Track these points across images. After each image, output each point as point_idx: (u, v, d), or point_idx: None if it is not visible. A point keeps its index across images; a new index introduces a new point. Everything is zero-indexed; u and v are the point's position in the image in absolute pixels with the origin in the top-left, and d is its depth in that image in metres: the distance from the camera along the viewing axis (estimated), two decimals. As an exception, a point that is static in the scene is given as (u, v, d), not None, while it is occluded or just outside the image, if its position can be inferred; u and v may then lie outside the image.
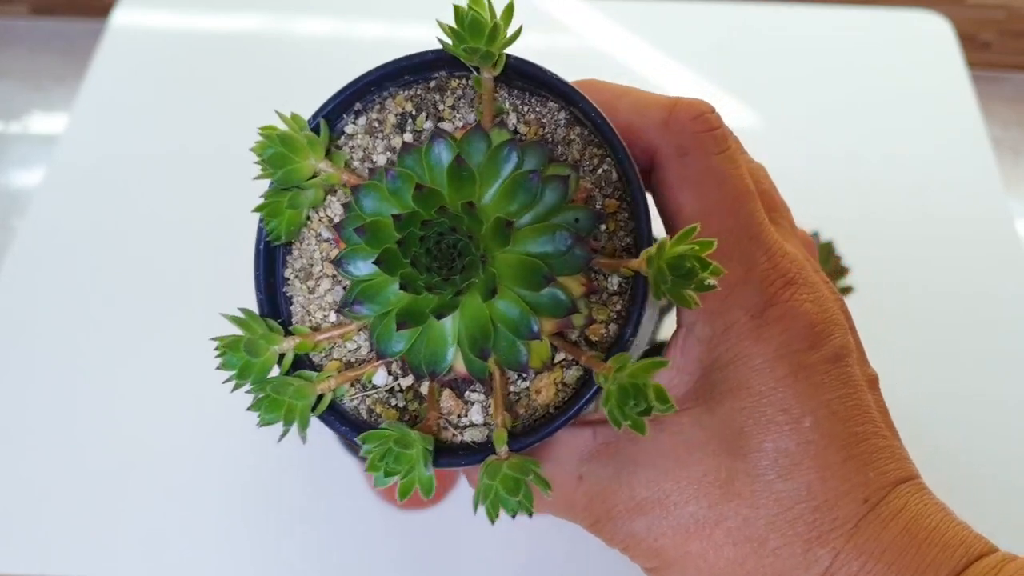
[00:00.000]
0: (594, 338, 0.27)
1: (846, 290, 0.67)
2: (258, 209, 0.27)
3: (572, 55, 0.92)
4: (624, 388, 0.22)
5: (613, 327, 0.27)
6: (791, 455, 0.25)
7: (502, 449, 0.26)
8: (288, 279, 0.29)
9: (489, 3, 0.26)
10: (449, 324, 0.25)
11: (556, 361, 0.27)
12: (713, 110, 0.28)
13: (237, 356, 0.25)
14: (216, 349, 0.26)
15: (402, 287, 0.23)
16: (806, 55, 0.93)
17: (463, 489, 0.63)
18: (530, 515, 0.25)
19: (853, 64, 0.92)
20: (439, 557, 0.61)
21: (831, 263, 0.67)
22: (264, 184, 0.28)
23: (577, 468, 0.27)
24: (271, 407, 0.25)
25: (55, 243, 0.76)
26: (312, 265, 0.29)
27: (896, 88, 0.90)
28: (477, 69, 0.28)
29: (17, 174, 1.75)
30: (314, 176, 0.28)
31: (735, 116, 0.87)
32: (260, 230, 0.28)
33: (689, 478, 0.25)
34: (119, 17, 0.92)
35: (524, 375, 0.27)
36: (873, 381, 0.28)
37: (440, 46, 0.27)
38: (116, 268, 0.74)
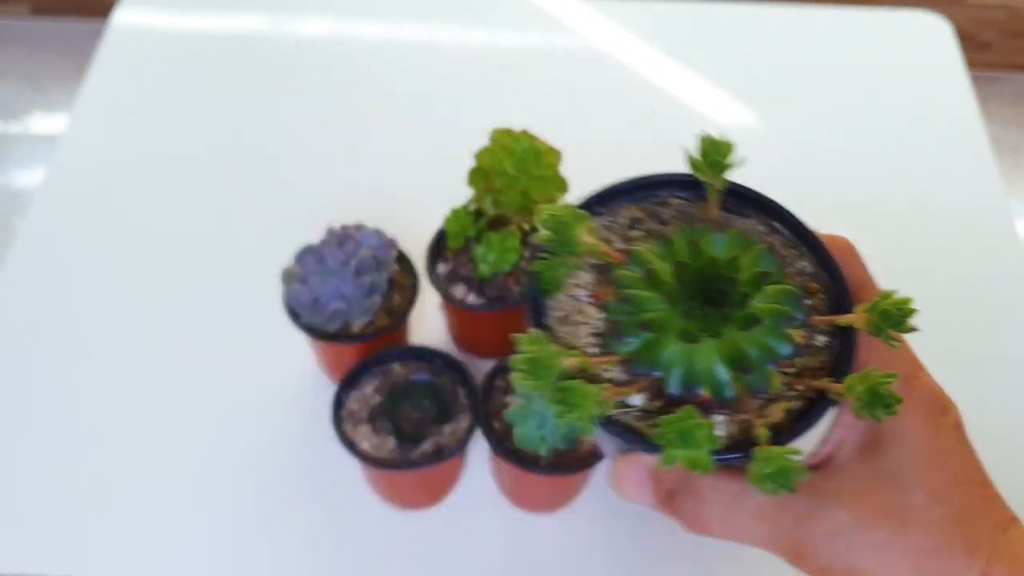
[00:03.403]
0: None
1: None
2: (536, 268, 0.34)
3: (572, 55, 0.92)
4: (872, 389, 0.30)
5: (822, 374, 0.34)
6: (943, 492, 0.33)
7: (766, 442, 0.31)
8: (550, 326, 0.35)
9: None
10: (709, 351, 0.32)
11: (785, 394, 0.33)
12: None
13: (536, 365, 0.30)
14: (519, 360, 0.30)
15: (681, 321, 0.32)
16: (806, 55, 0.93)
17: (462, 490, 0.63)
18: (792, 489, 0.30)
19: (853, 64, 0.92)
20: (439, 558, 0.61)
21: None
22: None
23: (782, 499, 0.33)
24: (572, 400, 0.29)
25: (56, 243, 0.76)
26: (569, 316, 0.35)
27: (896, 88, 0.90)
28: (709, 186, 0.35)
29: (18, 174, 1.75)
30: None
31: (735, 116, 0.87)
32: (533, 279, 0.34)
33: (874, 508, 0.33)
34: (119, 17, 0.92)
35: (760, 403, 0.33)
36: None
37: (689, 171, 0.35)
38: (117, 268, 0.74)
